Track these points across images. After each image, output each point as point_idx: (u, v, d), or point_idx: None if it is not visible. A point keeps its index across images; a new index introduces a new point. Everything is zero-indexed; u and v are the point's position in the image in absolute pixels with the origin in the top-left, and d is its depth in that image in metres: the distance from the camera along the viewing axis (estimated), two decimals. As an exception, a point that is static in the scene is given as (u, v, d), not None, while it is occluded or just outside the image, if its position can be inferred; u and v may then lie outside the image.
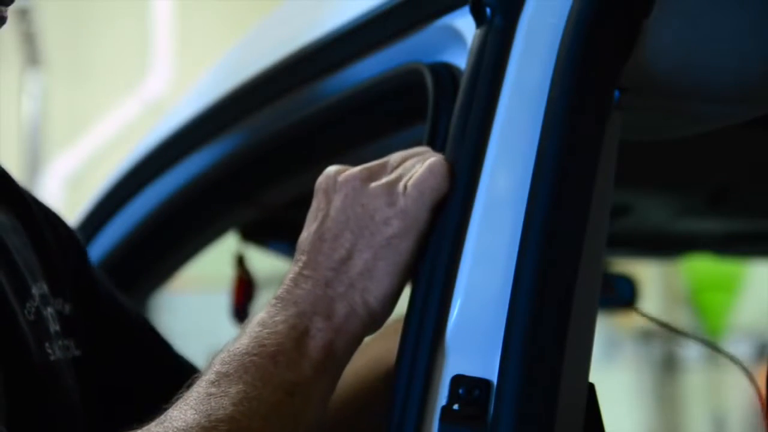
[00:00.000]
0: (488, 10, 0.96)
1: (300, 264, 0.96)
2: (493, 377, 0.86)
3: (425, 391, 0.89)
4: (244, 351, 0.93)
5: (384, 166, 0.98)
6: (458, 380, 0.87)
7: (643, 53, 0.94)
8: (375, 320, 0.96)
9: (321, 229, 0.96)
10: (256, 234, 1.70)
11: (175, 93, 4.29)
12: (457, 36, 1.04)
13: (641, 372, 5.57)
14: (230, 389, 0.90)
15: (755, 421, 5.34)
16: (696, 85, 1.00)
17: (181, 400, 0.91)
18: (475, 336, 0.88)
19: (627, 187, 1.65)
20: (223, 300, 1.73)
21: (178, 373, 1.19)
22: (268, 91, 1.35)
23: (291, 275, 0.96)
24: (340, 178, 0.98)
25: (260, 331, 0.94)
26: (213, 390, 0.91)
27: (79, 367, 1.04)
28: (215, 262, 1.89)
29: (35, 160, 4.34)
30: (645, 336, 5.53)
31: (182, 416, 0.89)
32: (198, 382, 0.92)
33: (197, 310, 4.22)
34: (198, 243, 1.67)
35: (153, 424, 0.90)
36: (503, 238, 0.89)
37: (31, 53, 4.28)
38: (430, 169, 0.95)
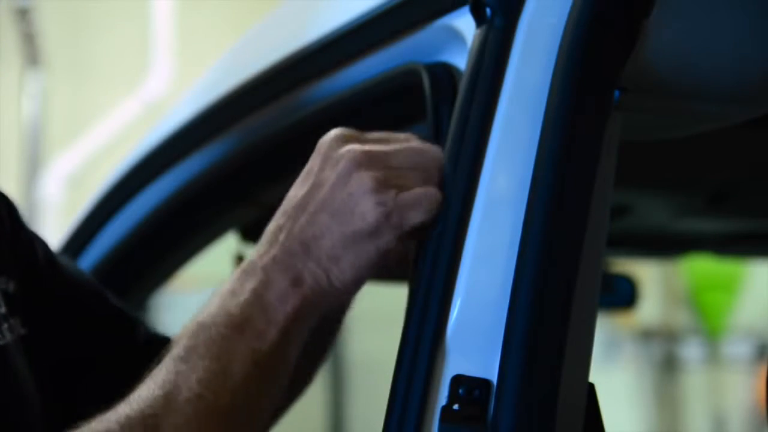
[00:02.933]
0: (488, 10, 0.96)
1: (277, 226, 0.97)
2: (493, 377, 0.86)
3: (425, 391, 0.89)
4: (211, 322, 0.94)
5: (388, 155, 0.97)
6: (458, 380, 0.87)
7: (643, 53, 0.94)
8: (338, 298, 0.97)
9: (306, 198, 0.96)
10: (256, 234, 1.70)
11: (175, 93, 4.29)
12: (457, 36, 1.04)
13: (641, 372, 5.57)
14: (198, 364, 0.91)
15: (755, 421, 5.35)
16: (696, 85, 1.00)
17: (149, 377, 0.92)
18: (475, 336, 0.88)
19: (627, 187, 1.65)
20: (223, 300, 1.73)
21: (138, 340, 1.18)
22: (268, 92, 1.35)
23: (266, 237, 0.97)
24: (342, 150, 0.96)
25: (228, 299, 0.95)
26: (181, 367, 0.92)
27: (27, 346, 1.03)
28: (215, 262, 1.89)
29: (35, 160, 4.34)
30: (645, 336, 5.53)
31: (150, 395, 0.90)
32: (167, 358, 0.93)
33: (197, 310, 4.22)
34: (198, 243, 1.67)
35: (123, 404, 0.91)
36: (503, 238, 0.89)
37: (31, 53, 4.28)
38: (422, 200, 0.94)
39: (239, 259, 1.65)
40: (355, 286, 0.97)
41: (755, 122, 1.07)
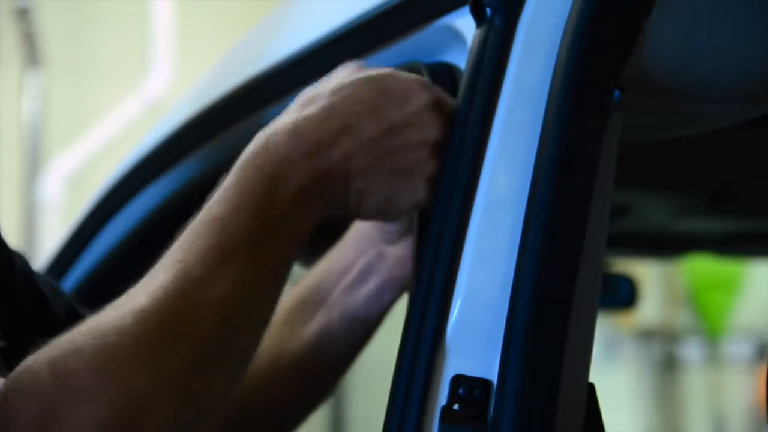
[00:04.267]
0: (488, 10, 0.96)
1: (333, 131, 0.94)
2: (493, 377, 0.86)
3: (425, 391, 0.89)
4: (212, 208, 0.92)
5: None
6: (458, 380, 0.87)
7: (643, 53, 0.94)
8: (352, 208, 0.95)
9: (379, 134, 0.95)
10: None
11: (175, 93, 4.29)
12: (457, 36, 1.04)
13: (641, 372, 5.57)
14: (192, 247, 0.90)
15: (755, 421, 5.35)
16: (696, 85, 1.00)
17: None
18: (475, 336, 0.88)
19: (627, 187, 1.65)
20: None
21: None
22: (269, 92, 1.35)
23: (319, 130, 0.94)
24: (416, 89, 0.96)
25: (229, 187, 0.93)
26: (199, 272, 0.89)
27: (5, 358, 1.02)
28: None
29: (35, 160, 4.34)
30: (645, 336, 5.53)
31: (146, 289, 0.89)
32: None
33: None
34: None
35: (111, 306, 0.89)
36: (503, 238, 0.89)
37: (31, 53, 4.28)
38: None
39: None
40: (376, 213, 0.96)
41: (755, 122, 1.07)
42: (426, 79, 1.00)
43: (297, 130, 0.93)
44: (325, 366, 1.19)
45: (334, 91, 0.96)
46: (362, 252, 1.17)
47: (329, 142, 0.93)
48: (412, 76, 0.98)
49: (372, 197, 0.95)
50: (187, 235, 0.92)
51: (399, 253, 1.15)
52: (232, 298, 0.88)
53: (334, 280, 1.18)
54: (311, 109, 0.95)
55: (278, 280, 0.93)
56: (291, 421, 1.22)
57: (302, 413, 1.22)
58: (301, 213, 0.92)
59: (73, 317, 1.13)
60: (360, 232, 1.17)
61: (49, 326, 1.09)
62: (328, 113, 0.94)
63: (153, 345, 0.85)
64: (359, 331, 1.18)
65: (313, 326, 1.17)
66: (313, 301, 1.18)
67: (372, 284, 1.16)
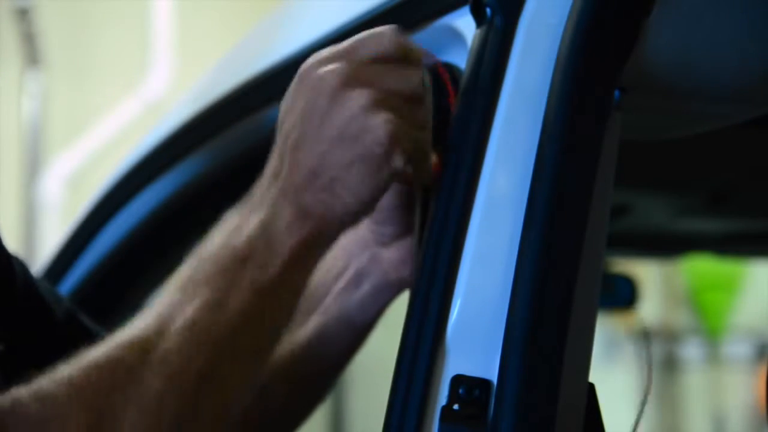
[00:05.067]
0: (488, 10, 0.96)
1: (276, 161, 0.95)
2: (493, 377, 0.86)
3: (425, 391, 0.88)
4: (212, 255, 0.92)
5: (380, 74, 0.94)
6: (458, 380, 0.87)
7: (643, 53, 0.94)
8: (350, 222, 0.95)
9: (302, 129, 0.93)
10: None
11: (175, 93, 4.29)
12: (457, 36, 1.04)
13: (641, 372, 5.57)
14: (195, 293, 0.90)
15: (755, 421, 5.35)
16: (696, 85, 1.00)
17: (149, 308, 0.91)
18: (475, 336, 0.88)
19: (627, 187, 1.65)
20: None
21: None
22: (269, 92, 1.35)
23: (266, 175, 0.96)
24: (325, 70, 0.93)
25: (233, 234, 0.93)
26: (177, 296, 0.91)
27: (3, 362, 1.02)
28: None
29: (35, 160, 4.34)
30: (645, 336, 5.52)
31: (143, 324, 0.89)
32: (166, 290, 0.92)
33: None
34: (198, 243, 1.66)
35: (119, 332, 0.90)
36: (503, 238, 0.89)
37: (31, 53, 4.28)
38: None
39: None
40: (367, 206, 0.95)
41: (755, 122, 1.07)
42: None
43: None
44: (319, 371, 1.19)
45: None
46: (354, 256, 1.16)
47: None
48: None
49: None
50: (161, 312, 0.92)
51: (393, 255, 1.14)
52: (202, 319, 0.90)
53: (325, 287, 1.17)
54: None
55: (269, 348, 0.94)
56: (285, 427, 1.22)
57: (296, 419, 1.22)
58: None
59: (73, 323, 1.13)
60: (351, 237, 1.17)
61: (48, 332, 1.10)
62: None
63: (128, 371, 0.87)
64: (353, 335, 1.17)
65: (305, 333, 1.16)
66: (304, 309, 1.17)
67: (366, 288, 1.16)
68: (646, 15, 0.94)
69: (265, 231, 0.92)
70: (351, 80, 0.92)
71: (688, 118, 1.07)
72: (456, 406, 0.87)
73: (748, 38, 0.98)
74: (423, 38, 1.09)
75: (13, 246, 1.11)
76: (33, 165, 4.34)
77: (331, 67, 0.93)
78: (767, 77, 0.99)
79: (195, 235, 1.65)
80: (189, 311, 0.89)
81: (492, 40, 0.95)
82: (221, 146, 1.44)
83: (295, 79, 0.95)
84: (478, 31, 0.97)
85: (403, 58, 0.95)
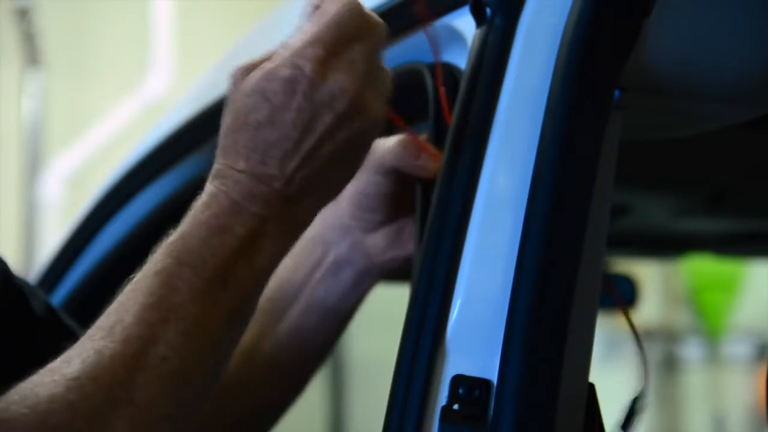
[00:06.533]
0: (488, 10, 0.96)
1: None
2: (493, 377, 0.86)
3: (425, 391, 0.88)
4: (187, 264, 0.89)
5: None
6: (458, 380, 0.87)
7: (643, 53, 0.94)
8: (316, 203, 0.93)
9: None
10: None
11: (175, 93, 4.29)
12: (457, 36, 1.04)
13: (641, 372, 5.56)
14: (131, 304, 0.86)
15: (755, 421, 5.35)
16: (696, 85, 1.00)
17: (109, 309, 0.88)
18: (475, 336, 0.88)
19: (627, 187, 1.65)
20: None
21: None
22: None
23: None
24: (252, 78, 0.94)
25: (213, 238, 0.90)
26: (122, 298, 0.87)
27: None
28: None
29: (35, 160, 4.34)
30: (645, 336, 5.53)
31: (114, 351, 0.84)
32: (132, 296, 0.89)
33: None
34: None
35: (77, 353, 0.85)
36: (503, 238, 0.89)
37: (31, 53, 4.28)
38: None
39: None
40: (336, 186, 0.94)
41: (755, 122, 1.07)
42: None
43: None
44: (300, 361, 1.18)
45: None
46: (333, 244, 1.15)
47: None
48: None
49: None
50: (127, 291, 0.89)
51: (378, 241, 1.14)
52: (175, 356, 0.85)
53: (303, 276, 1.16)
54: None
55: (235, 324, 0.90)
56: (268, 418, 1.22)
57: (279, 410, 1.21)
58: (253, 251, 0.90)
59: (52, 318, 1.12)
60: (326, 225, 1.16)
61: (27, 325, 1.09)
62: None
63: (90, 413, 0.81)
64: (335, 323, 1.16)
65: (285, 325, 1.16)
66: (282, 299, 1.16)
67: (347, 275, 1.15)
68: (646, 15, 0.94)
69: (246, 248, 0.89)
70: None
71: (688, 118, 1.07)
72: (456, 406, 0.87)
73: (748, 38, 0.98)
74: (423, 38, 1.09)
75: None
76: (33, 165, 4.34)
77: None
78: (767, 77, 0.99)
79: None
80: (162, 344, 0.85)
81: (492, 40, 0.95)
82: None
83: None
84: (478, 31, 0.97)
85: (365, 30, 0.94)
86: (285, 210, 0.91)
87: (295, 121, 0.91)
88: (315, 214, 0.94)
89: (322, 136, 0.91)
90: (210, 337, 0.87)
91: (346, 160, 0.93)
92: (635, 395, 0.93)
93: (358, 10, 0.93)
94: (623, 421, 0.91)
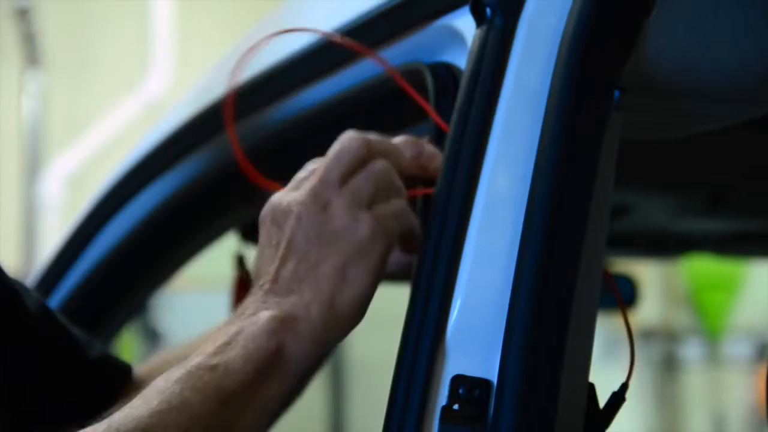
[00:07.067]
0: (488, 10, 0.96)
1: (265, 288, 0.95)
2: (493, 377, 0.86)
3: (425, 391, 0.88)
4: (187, 362, 0.89)
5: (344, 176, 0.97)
6: (458, 380, 0.87)
7: (643, 53, 0.94)
8: (343, 326, 0.94)
9: (286, 254, 0.95)
10: (256, 234, 1.70)
11: (175, 93, 4.29)
12: (457, 36, 1.04)
13: (641, 372, 5.57)
14: (153, 400, 0.86)
15: (755, 421, 5.35)
16: (696, 85, 1.00)
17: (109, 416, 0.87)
18: (475, 336, 0.88)
19: (627, 187, 1.65)
20: (223, 300, 1.73)
21: (87, 360, 1.15)
22: (269, 92, 1.35)
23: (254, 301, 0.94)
24: (288, 201, 0.97)
25: (207, 342, 0.91)
26: (137, 402, 0.87)
27: None
28: (215, 262, 1.89)
29: (35, 160, 4.35)
30: (645, 336, 5.53)
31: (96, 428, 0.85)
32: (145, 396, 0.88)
33: (197, 310, 4.23)
34: (198, 243, 1.67)
35: None
36: (503, 238, 0.89)
37: (31, 53, 4.28)
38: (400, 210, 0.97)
39: (239, 259, 1.65)
40: (364, 302, 0.95)
41: (755, 122, 1.07)
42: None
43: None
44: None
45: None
46: None
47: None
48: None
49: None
50: None
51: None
52: None
53: None
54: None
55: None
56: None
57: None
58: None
59: (46, 316, 1.12)
60: None
61: (21, 323, 1.09)
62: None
63: None
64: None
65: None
66: None
67: None
68: (646, 15, 0.94)
69: (239, 336, 0.90)
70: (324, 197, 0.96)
71: (688, 118, 1.07)
72: (456, 406, 0.87)
73: (748, 38, 0.98)
74: (423, 39, 1.09)
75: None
76: (33, 165, 4.34)
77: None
78: (767, 77, 0.99)
79: (195, 236, 1.66)
80: (144, 416, 0.85)
81: (492, 40, 0.95)
82: (221, 146, 1.44)
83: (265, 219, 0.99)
84: (478, 31, 0.97)
85: (367, 155, 0.98)
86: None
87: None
88: None
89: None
90: (195, 414, 0.87)
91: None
92: (617, 390, 0.93)
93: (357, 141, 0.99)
94: (603, 414, 0.91)
